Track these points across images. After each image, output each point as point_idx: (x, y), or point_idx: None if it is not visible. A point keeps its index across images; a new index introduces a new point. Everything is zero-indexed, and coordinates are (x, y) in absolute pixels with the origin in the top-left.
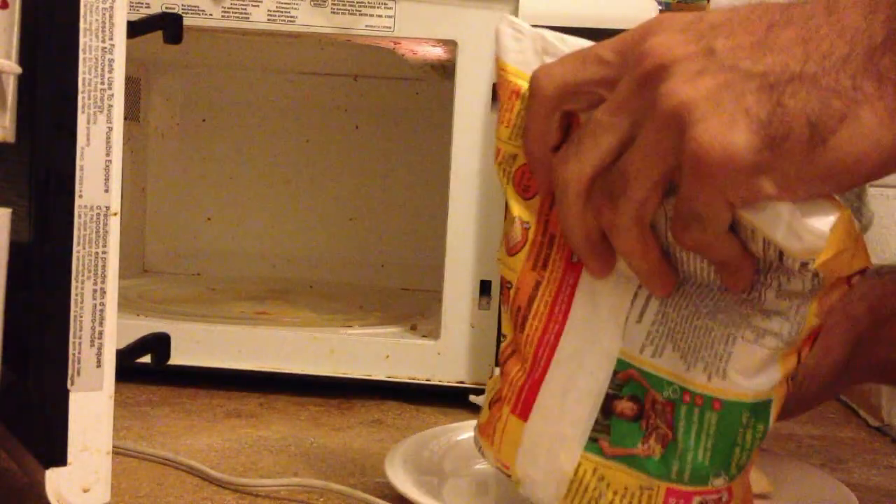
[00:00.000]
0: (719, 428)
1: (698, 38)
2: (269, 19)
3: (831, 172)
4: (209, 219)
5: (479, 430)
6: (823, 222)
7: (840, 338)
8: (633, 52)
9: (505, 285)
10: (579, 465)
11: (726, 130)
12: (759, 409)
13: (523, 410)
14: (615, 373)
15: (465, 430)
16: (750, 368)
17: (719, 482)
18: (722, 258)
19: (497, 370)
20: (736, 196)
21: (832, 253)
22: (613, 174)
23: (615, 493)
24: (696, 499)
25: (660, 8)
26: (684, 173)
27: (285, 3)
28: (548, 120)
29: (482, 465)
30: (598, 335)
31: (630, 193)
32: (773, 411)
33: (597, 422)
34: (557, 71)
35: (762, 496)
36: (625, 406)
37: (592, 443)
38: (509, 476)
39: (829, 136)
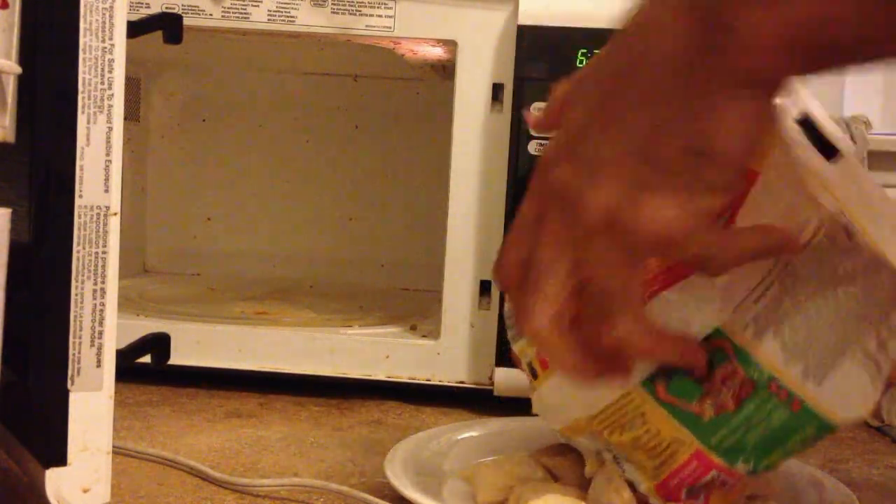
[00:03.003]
0: (782, 426)
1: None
2: (269, 19)
3: (738, 163)
4: (209, 219)
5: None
6: None
7: None
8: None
9: None
10: (628, 393)
11: (650, 208)
12: (825, 429)
13: None
14: (708, 338)
15: (465, 430)
16: (849, 390)
17: (742, 468)
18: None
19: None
20: (702, 226)
21: None
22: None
23: (647, 431)
24: (714, 472)
25: None
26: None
27: (285, 3)
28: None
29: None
30: (707, 300)
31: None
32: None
33: (662, 365)
34: (504, 259)
35: (763, 498)
36: None
37: (650, 382)
38: (535, 376)
39: (710, 149)
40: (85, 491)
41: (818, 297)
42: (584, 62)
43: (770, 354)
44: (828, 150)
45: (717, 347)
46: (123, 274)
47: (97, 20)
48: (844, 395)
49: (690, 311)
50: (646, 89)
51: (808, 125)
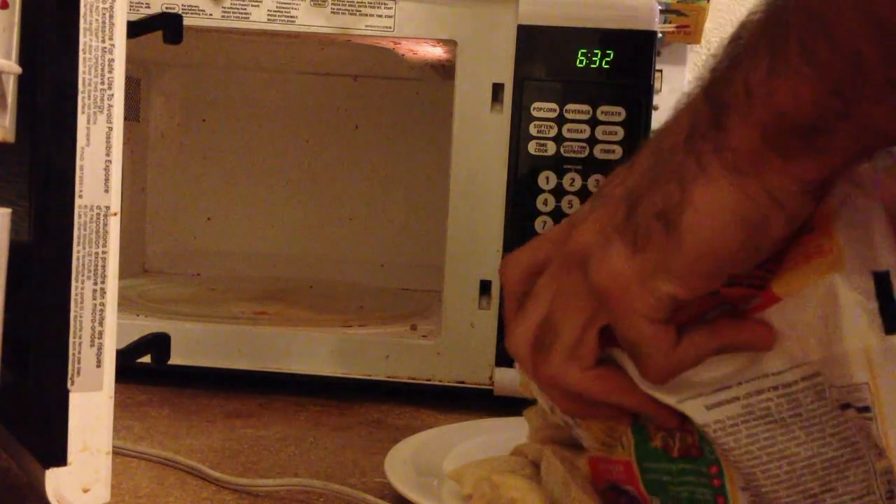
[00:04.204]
0: (701, 501)
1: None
2: (269, 19)
3: (700, 255)
4: (209, 219)
5: None
6: None
7: None
8: (565, 235)
9: None
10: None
11: (605, 253)
12: None
13: None
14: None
15: (464, 430)
16: None
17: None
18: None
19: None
20: (645, 307)
21: None
22: (544, 328)
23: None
24: (632, 489)
25: (660, 8)
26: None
27: (285, 3)
28: (516, 302)
29: None
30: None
31: (560, 339)
32: None
33: None
34: (518, 256)
35: None
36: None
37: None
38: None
39: (677, 221)
40: (85, 491)
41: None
42: (584, 62)
43: (725, 449)
44: (891, 323)
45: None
46: (123, 274)
47: (97, 20)
48: None
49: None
50: (654, 162)
51: (884, 283)
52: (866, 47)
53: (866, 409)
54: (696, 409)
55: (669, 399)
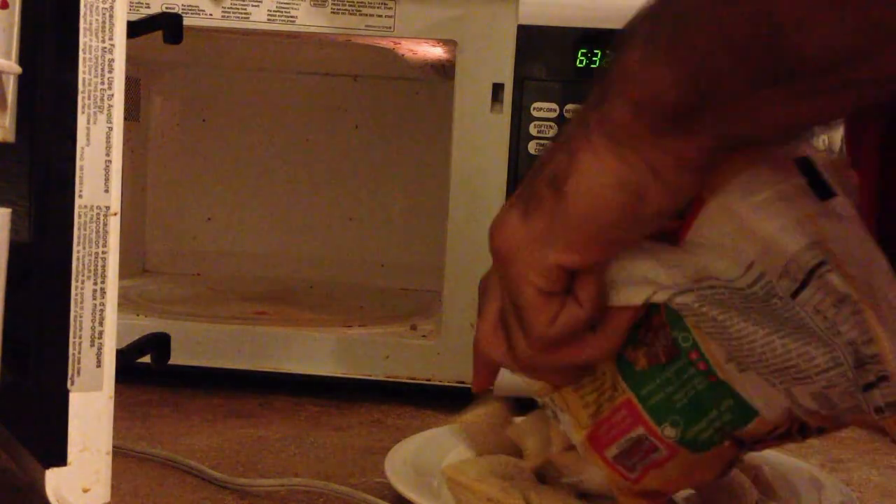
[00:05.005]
0: (701, 393)
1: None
2: (269, 19)
3: (582, 217)
4: (209, 219)
5: None
6: None
7: None
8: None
9: None
10: None
11: (502, 220)
12: (747, 410)
13: None
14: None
15: (464, 431)
16: (768, 397)
17: (670, 433)
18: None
19: None
20: (533, 272)
21: None
22: (501, 321)
23: (594, 373)
24: (641, 429)
25: None
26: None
27: (285, 3)
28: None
29: None
30: (668, 264)
31: (512, 323)
32: (753, 427)
33: None
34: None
35: (763, 500)
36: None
37: None
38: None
39: (563, 186)
40: (85, 491)
41: (761, 327)
42: (584, 62)
43: (698, 325)
44: (823, 191)
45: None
46: (123, 274)
47: (97, 20)
48: (764, 397)
49: (650, 268)
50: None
51: (805, 166)
52: (719, 55)
53: (821, 263)
54: (664, 298)
55: (636, 299)
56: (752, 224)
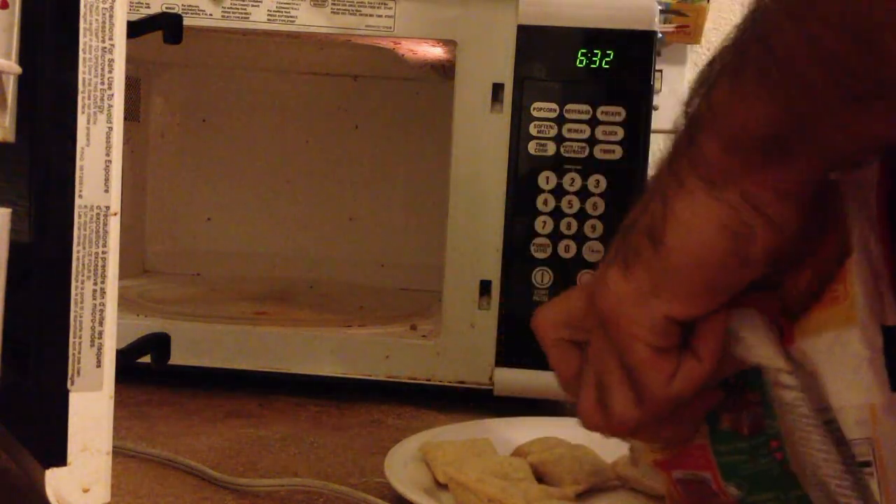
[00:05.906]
0: (771, 473)
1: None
2: (269, 19)
3: (687, 266)
4: (209, 219)
5: None
6: None
7: None
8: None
9: None
10: None
11: (603, 280)
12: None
13: None
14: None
15: (464, 430)
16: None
17: (733, 492)
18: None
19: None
20: (642, 330)
21: None
22: (599, 390)
23: None
24: (709, 474)
25: (660, 8)
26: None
27: (285, 3)
28: (555, 350)
29: None
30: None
31: (610, 392)
32: None
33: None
34: (548, 305)
35: None
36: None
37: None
38: None
39: (661, 235)
40: (85, 491)
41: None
42: (584, 62)
43: (784, 418)
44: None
45: (758, 372)
46: (123, 274)
47: (97, 20)
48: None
49: (755, 338)
50: (648, 187)
51: (893, 338)
52: (814, 72)
53: (866, 464)
54: (791, 382)
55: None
56: (832, 387)
